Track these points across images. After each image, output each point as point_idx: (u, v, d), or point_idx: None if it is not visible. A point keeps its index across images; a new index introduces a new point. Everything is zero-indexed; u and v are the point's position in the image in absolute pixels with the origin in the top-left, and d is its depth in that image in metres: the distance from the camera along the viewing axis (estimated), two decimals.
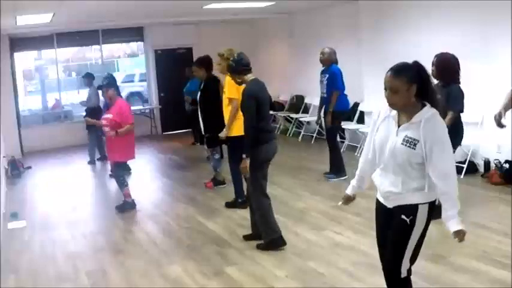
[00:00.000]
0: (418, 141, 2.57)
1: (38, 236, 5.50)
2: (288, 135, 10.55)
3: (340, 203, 3.14)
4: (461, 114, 4.94)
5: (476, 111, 6.66)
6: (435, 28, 7.05)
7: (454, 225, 2.58)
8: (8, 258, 4.82)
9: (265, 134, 4.55)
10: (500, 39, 6.15)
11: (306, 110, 10.33)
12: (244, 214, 5.63)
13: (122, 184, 6.07)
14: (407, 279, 2.79)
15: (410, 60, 2.69)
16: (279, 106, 11.23)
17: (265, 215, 4.58)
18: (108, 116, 5.90)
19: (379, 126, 2.76)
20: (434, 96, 2.65)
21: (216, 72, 6.55)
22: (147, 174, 8.31)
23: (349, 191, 3.06)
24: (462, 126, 4.96)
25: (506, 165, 6.17)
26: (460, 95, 4.88)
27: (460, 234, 2.59)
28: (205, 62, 6.69)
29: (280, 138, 10.62)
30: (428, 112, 2.60)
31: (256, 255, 4.49)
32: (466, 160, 6.61)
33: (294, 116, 10.47)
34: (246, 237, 4.87)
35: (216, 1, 7.86)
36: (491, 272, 3.82)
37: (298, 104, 10.72)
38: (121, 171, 6.17)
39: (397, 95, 2.58)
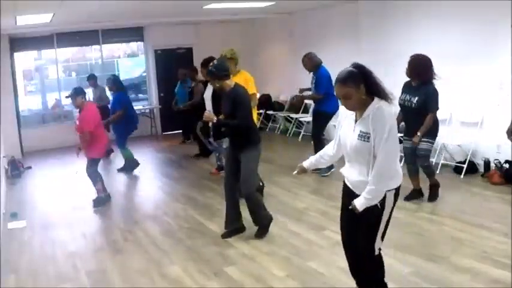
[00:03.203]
0: (370, 134, 2.78)
1: (38, 236, 5.50)
2: (288, 135, 10.55)
3: (295, 172, 3.48)
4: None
5: (476, 111, 6.66)
6: (435, 28, 7.05)
7: (357, 202, 2.86)
8: (8, 258, 4.82)
9: (258, 133, 5.01)
10: (500, 39, 6.16)
11: (306, 110, 10.32)
12: (244, 214, 5.63)
13: (96, 178, 6.40)
14: (379, 256, 3.06)
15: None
16: (279, 106, 11.22)
17: (262, 204, 4.96)
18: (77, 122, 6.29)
19: (343, 125, 3.03)
20: (380, 88, 2.87)
21: None
22: (146, 174, 8.30)
23: (305, 163, 3.39)
24: (438, 123, 5.41)
25: (506, 165, 6.17)
26: (436, 94, 5.26)
27: (353, 207, 2.86)
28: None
29: (280, 138, 10.65)
30: (375, 105, 2.82)
31: (256, 255, 4.49)
32: (466, 160, 6.62)
33: (294, 116, 10.46)
34: (224, 236, 4.97)
35: (216, 1, 7.85)
36: (491, 272, 3.82)
37: (298, 104, 10.70)
38: (96, 167, 6.48)
39: (350, 100, 2.82)
